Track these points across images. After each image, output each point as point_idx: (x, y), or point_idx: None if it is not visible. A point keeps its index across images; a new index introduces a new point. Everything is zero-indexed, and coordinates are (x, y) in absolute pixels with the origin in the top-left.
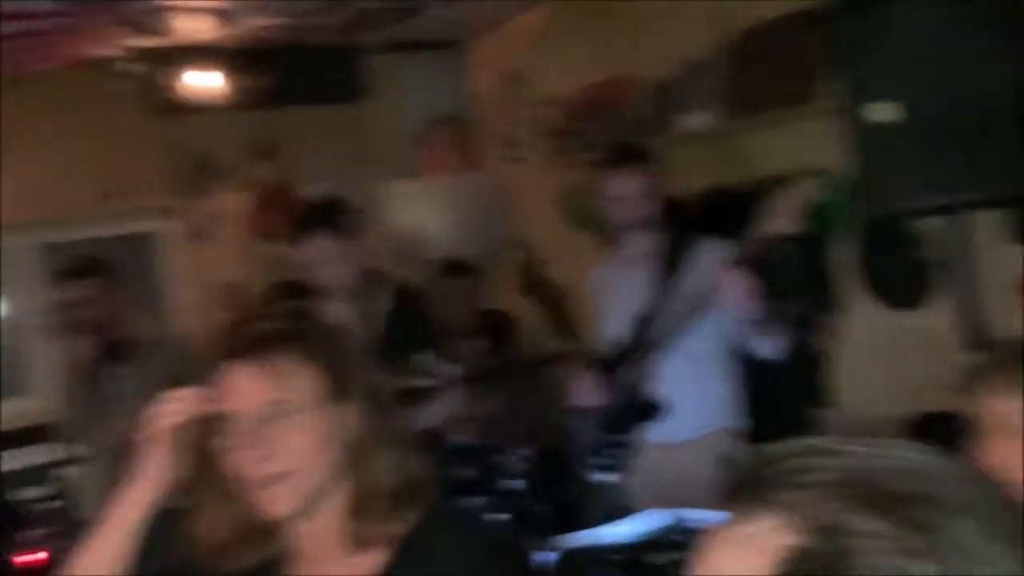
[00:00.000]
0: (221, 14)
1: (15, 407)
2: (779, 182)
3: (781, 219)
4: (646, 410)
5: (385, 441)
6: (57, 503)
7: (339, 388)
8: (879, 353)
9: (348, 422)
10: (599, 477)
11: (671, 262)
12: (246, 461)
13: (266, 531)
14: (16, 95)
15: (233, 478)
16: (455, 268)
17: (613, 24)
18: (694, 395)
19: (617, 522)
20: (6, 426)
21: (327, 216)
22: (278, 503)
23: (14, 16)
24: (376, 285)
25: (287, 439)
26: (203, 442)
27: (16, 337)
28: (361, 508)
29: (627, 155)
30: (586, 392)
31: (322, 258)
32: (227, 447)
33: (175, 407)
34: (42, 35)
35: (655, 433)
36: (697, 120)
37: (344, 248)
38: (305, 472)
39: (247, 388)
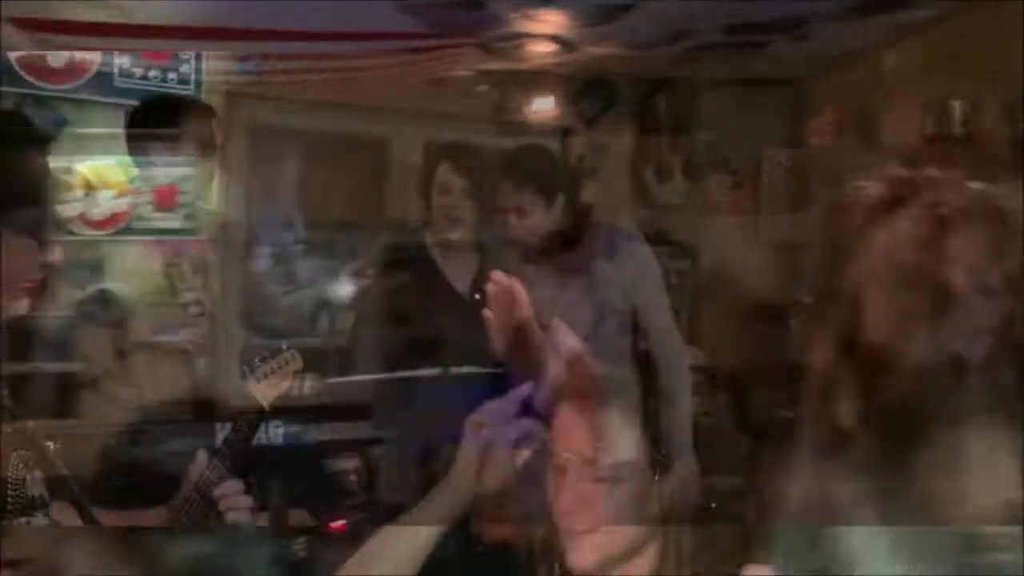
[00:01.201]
0: (566, 43)
1: (344, 384)
2: None
3: None
4: None
5: (693, 524)
6: (354, 478)
7: (663, 457)
8: None
9: (665, 493)
10: None
11: None
12: (558, 501)
13: None
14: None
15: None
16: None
17: (976, 69)
18: None
19: None
20: (334, 400)
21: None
22: (577, 554)
23: (381, 35)
24: None
25: (594, 498)
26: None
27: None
28: None
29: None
30: None
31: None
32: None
33: (496, 418)
34: (404, 53)
35: None
36: None
37: None
38: (607, 534)
39: (570, 428)
